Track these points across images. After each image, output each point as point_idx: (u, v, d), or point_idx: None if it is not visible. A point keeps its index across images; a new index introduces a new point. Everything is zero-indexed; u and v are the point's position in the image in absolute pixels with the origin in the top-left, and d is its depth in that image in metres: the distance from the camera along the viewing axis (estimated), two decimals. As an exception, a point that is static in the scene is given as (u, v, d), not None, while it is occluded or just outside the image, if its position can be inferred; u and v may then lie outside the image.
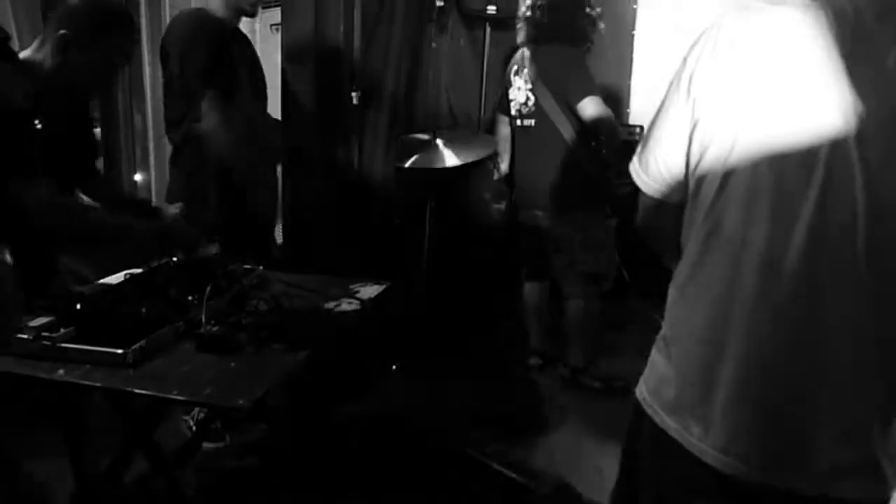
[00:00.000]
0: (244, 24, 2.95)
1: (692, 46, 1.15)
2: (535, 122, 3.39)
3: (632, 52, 4.80)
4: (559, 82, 3.28)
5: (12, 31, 3.24)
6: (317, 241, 3.50)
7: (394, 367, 3.27)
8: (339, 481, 2.50)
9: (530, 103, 3.38)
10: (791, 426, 1.07)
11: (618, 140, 3.35)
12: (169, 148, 2.91)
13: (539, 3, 3.28)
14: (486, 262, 4.07)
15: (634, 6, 4.75)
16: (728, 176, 1.08)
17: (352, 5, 3.42)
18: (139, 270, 2.10)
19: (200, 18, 2.81)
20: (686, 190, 1.18)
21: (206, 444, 2.60)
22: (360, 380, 3.16)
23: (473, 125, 4.35)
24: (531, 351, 3.75)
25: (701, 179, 1.12)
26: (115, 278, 2.06)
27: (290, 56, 3.42)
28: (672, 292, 1.21)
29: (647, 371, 1.26)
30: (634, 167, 1.27)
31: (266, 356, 1.71)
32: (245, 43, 2.92)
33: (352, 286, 2.21)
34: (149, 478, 2.05)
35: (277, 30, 3.60)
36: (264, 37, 4.44)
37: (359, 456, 2.52)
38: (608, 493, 1.40)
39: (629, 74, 4.79)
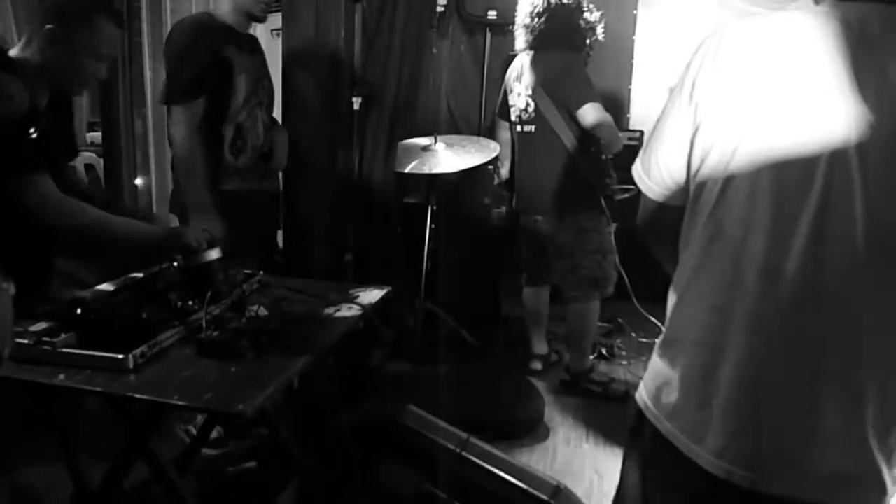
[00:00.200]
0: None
1: (695, 52, 1.15)
2: (536, 128, 3.39)
3: (632, 57, 4.81)
4: (559, 89, 3.28)
5: (12, 31, 3.25)
6: (317, 246, 3.50)
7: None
8: (339, 486, 2.49)
9: (530, 109, 3.38)
10: (789, 432, 1.07)
11: (618, 145, 3.36)
12: (170, 152, 2.91)
13: (537, 10, 3.29)
14: (486, 267, 4.07)
15: (634, 12, 4.76)
16: (729, 181, 1.08)
17: (353, 11, 3.43)
18: (140, 275, 2.10)
19: (196, 25, 2.80)
20: (686, 194, 1.18)
21: (205, 451, 2.60)
22: (359, 384, 3.16)
23: (474, 130, 4.36)
24: (531, 355, 3.76)
25: (702, 184, 1.13)
26: (116, 283, 2.06)
27: (291, 61, 3.43)
28: (672, 296, 1.22)
29: (647, 375, 1.26)
30: (637, 170, 1.27)
31: (266, 361, 1.70)
32: (252, 49, 2.90)
33: (352, 291, 2.21)
34: (148, 484, 2.04)
35: (278, 35, 3.61)
36: (265, 42, 4.44)
37: (358, 460, 2.52)
38: (608, 498, 1.40)
39: (629, 80, 4.81)
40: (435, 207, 3.65)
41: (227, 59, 2.75)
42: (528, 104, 3.40)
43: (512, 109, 3.52)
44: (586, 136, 3.29)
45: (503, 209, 3.99)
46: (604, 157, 3.37)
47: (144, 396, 1.53)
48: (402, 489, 2.37)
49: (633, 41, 4.79)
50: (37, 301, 1.81)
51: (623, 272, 3.48)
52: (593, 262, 3.39)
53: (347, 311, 2.06)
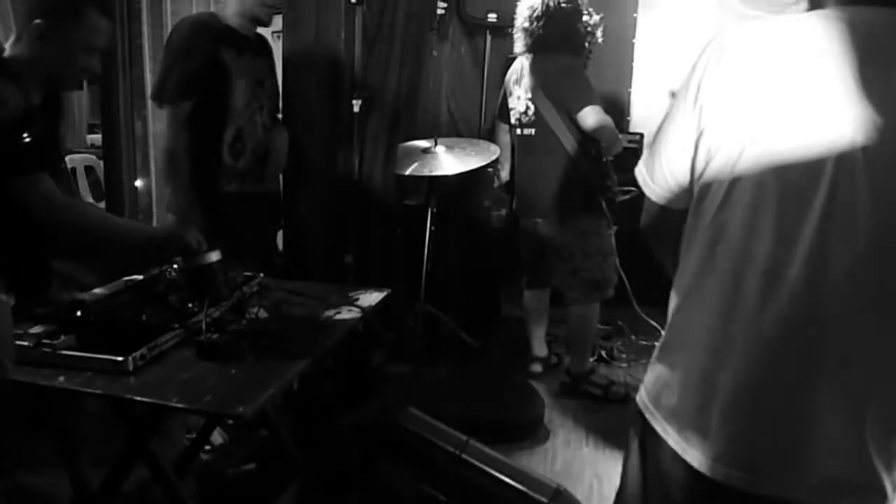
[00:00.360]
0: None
1: (700, 54, 1.14)
2: (536, 131, 3.40)
3: (632, 60, 4.81)
4: (558, 92, 3.29)
5: (12, 31, 3.24)
6: (317, 249, 3.50)
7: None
8: (339, 488, 2.49)
9: (530, 112, 3.39)
10: (787, 436, 1.07)
11: (618, 148, 3.37)
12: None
13: (536, 13, 3.29)
14: (486, 269, 4.07)
15: (634, 15, 4.76)
16: (733, 185, 1.08)
17: (353, 13, 3.43)
18: (139, 277, 2.10)
19: (195, 26, 2.80)
20: (689, 197, 1.18)
21: (204, 455, 2.60)
22: (359, 386, 3.16)
23: (474, 132, 4.36)
24: (531, 357, 3.76)
25: (706, 188, 1.12)
26: (116, 285, 2.06)
27: (292, 63, 3.43)
28: (674, 300, 1.21)
29: (648, 378, 1.26)
30: (640, 172, 1.27)
31: (266, 363, 1.70)
32: (255, 52, 2.90)
33: (352, 294, 2.21)
34: (148, 486, 2.04)
35: (279, 37, 3.61)
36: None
37: (357, 462, 2.52)
38: (607, 501, 1.41)
39: (629, 83, 4.81)
40: (435, 210, 3.65)
41: (224, 62, 2.75)
42: (527, 107, 3.40)
43: (511, 112, 3.52)
44: (586, 139, 3.30)
45: (503, 212, 3.99)
46: (604, 159, 3.38)
47: (144, 399, 1.54)
48: (402, 491, 2.37)
49: (633, 44, 4.79)
50: (37, 303, 1.82)
51: (623, 275, 3.48)
52: (594, 264, 3.39)
53: (347, 313, 2.06)
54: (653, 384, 1.23)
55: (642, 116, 4.73)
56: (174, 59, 2.74)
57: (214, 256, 2.00)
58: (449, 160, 3.56)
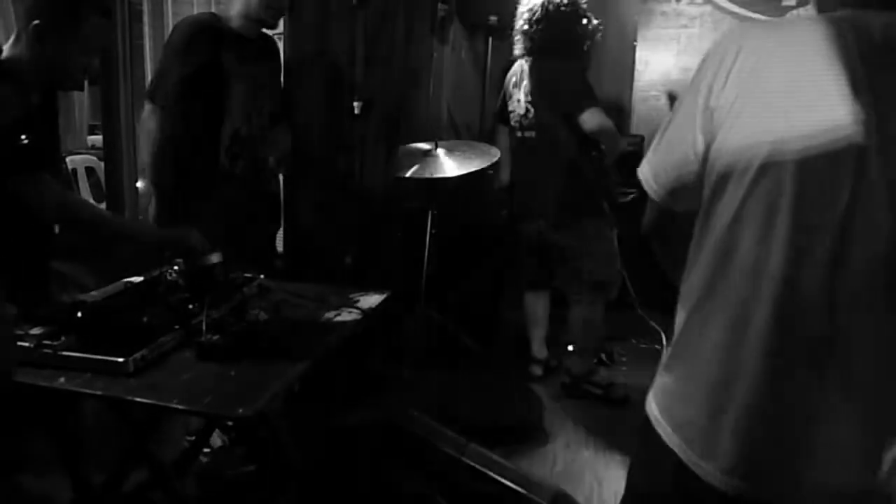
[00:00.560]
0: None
1: (711, 55, 1.11)
2: (536, 134, 3.40)
3: (633, 62, 4.82)
4: (558, 94, 3.29)
5: (13, 30, 3.24)
6: (317, 251, 3.51)
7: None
8: (339, 490, 2.49)
9: (530, 115, 3.39)
10: (802, 451, 1.05)
11: (619, 150, 3.37)
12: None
13: (535, 16, 3.29)
14: (486, 272, 4.07)
15: (635, 17, 4.77)
16: (747, 195, 1.05)
17: (354, 15, 3.43)
18: (140, 279, 2.10)
19: (194, 27, 2.77)
20: (694, 200, 1.15)
21: (204, 456, 2.60)
22: (359, 388, 3.15)
23: (474, 135, 4.36)
24: (531, 360, 3.75)
25: (717, 196, 1.09)
26: (116, 287, 2.06)
27: (293, 65, 3.43)
28: (683, 309, 1.18)
29: (656, 387, 1.23)
30: (644, 174, 1.23)
31: (267, 365, 1.70)
32: (257, 56, 2.88)
33: (352, 295, 2.21)
34: (148, 487, 2.04)
35: (280, 39, 3.61)
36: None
37: (358, 464, 2.51)
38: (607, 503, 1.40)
39: (631, 84, 4.81)
40: (435, 212, 3.65)
41: (222, 66, 2.73)
42: (527, 110, 3.40)
43: (511, 116, 3.52)
44: (587, 141, 3.30)
45: (504, 214, 3.99)
46: (605, 161, 3.38)
47: (144, 400, 1.54)
48: (402, 494, 2.37)
49: (634, 46, 4.80)
50: (37, 304, 1.82)
51: (626, 277, 3.48)
52: (598, 266, 3.39)
53: (347, 315, 2.07)
54: (661, 394, 1.21)
55: (644, 118, 4.74)
56: (171, 60, 2.73)
57: (215, 258, 2.01)
58: (449, 163, 3.56)
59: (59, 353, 1.63)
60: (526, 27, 3.34)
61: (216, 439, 2.74)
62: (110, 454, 1.94)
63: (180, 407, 1.53)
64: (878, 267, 0.99)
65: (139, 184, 2.89)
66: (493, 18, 4.29)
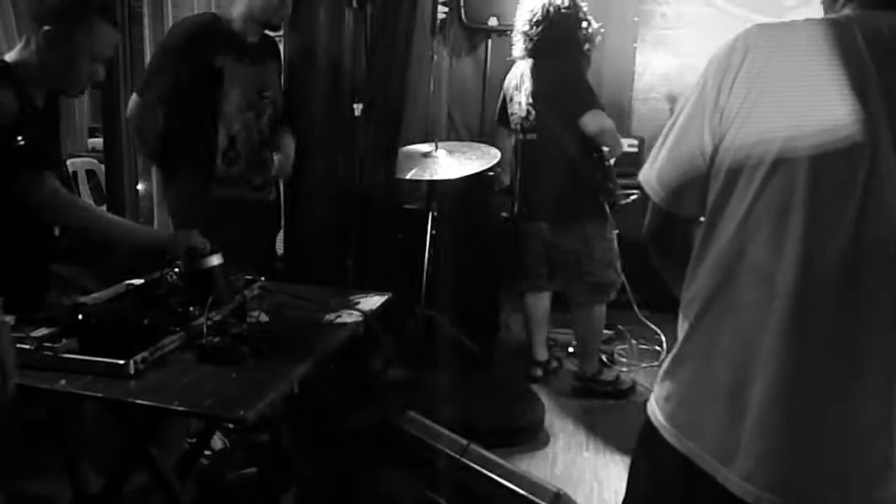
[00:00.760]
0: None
1: (718, 57, 1.10)
2: (537, 136, 3.40)
3: (633, 64, 4.82)
4: (559, 97, 3.29)
5: (13, 31, 3.25)
6: (318, 253, 3.50)
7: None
8: (340, 492, 2.49)
9: (531, 117, 3.39)
10: (823, 455, 1.04)
11: (620, 151, 3.37)
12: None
13: (536, 18, 3.30)
14: (486, 273, 4.07)
15: (635, 19, 4.77)
16: (756, 199, 1.04)
17: (354, 17, 3.43)
18: (141, 281, 2.11)
19: (193, 28, 2.75)
20: (697, 204, 1.14)
21: (205, 459, 2.60)
22: (359, 390, 3.16)
23: (475, 136, 4.36)
24: (532, 361, 3.75)
25: (724, 200, 1.08)
26: (117, 289, 2.06)
27: (292, 67, 3.43)
28: (686, 318, 1.17)
29: (660, 391, 1.21)
30: (646, 176, 1.21)
31: (267, 367, 1.71)
32: (256, 59, 2.85)
33: (352, 297, 2.21)
34: (149, 490, 2.04)
35: (280, 40, 3.61)
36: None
37: (358, 467, 2.52)
38: (608, 505, 1.40)
39: (631, 87, 4.82)
40: (435, 214, 3.65)
41: (217, 68, 2.71)
42: (528, 112, 3.40)
43: (512, 118, 3.52)
44: (588, 143, 3.30)
45: (504, 216, 3.99)
46: (607, 163, 3.38)
47: (145, 402, 1.54)
48: (402, 495, 2.37)
49: (634, 48, 4.81)
50: (38, 307, 1.82)
51: (625, 279, 3.49)
52: (599, 268, 3.40)
53: (348, 317, 2.07)
54: (667, 398, 1.18)
55: (644, 120, 4.74)
56: (163, 59, 2.72)
57: (216, 260, 2.01)
58: (449, 164, 3.57)
59: (60, 355, 1.63)
60: (526, 29, 3.35)
61: (217, 441, 2.74)
62: (110, 457, 1.93)
63: (181, 409, 1.53)
64: (892, 264, 0.99)
65: (140, 186, 2.88)
66: (493, 20, 4.30)
